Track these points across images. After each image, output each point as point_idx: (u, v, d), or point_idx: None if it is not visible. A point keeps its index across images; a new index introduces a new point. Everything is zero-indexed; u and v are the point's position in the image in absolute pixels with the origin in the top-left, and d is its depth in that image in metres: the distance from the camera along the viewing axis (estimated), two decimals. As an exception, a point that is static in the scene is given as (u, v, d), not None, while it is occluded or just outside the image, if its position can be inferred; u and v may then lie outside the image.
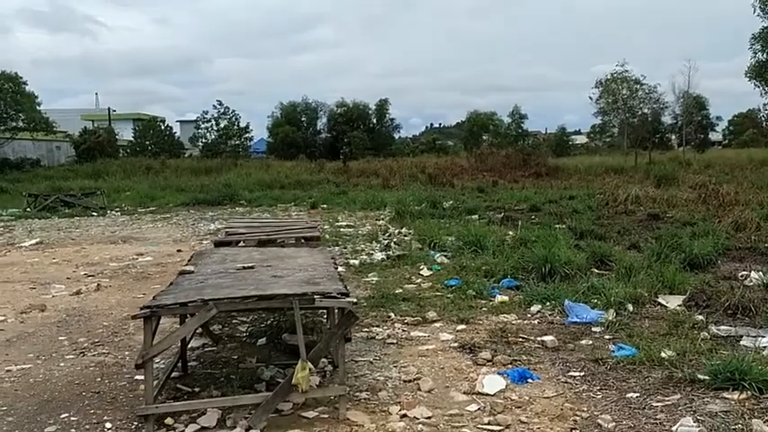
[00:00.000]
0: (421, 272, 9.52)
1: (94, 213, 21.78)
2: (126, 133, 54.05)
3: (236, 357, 5.93)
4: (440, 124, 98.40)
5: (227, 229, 8.89)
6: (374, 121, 58.42)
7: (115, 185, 30.28)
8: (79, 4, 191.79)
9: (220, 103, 52.77)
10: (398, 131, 62.67)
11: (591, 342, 6.09)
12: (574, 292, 7.55)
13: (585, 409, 4.55)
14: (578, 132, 69.53)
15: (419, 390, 4.95)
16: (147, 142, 51.72)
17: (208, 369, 5.66)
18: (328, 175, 33.53)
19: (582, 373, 5.26)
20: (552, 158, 39.87)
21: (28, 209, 22.34)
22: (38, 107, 43.40)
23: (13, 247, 13.66)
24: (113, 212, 22.00)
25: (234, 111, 52.98)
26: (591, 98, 44.24)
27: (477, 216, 16.43)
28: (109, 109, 57.98)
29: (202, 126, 52.74)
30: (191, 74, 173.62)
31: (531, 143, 53.67)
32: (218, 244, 7.85)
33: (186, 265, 5.97)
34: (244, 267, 5.41)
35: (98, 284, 9.23)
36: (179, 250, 12.51)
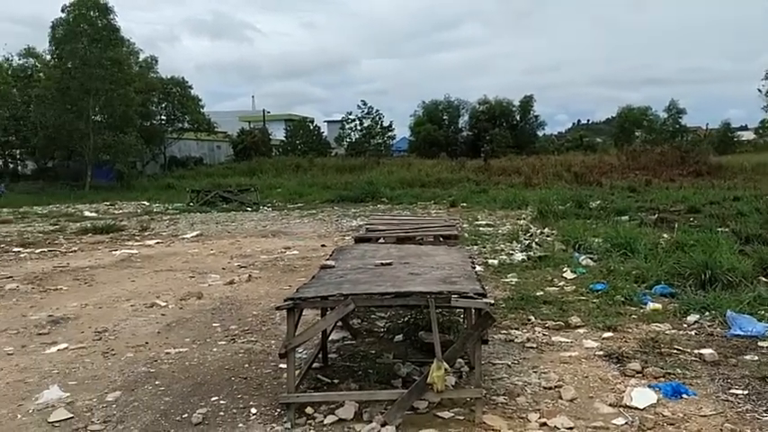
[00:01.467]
0: (564, 274, 9.13)
1: (249, 208, 23.30)
2: (278, 133, 57.17)
3: (373, 352, 6.01)
4: (587, 120, 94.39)
5: (368, 226, 9.05)
6: (517, 118, 57.11)
7: (268, 182, 32.22)
8: (237, 12, 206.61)
9: (364, 103, 54.14)
10: (543, 129, 60.72)
11: (757, 358, 5.50)
12: (737, 302, 6.89)
13: (749, 431, 4.11)
14: (745, 128, 63.75)
15: (560, 398, 4.71)
16: (297, 141, 54.33)
17: (347, 362, 5.78)
18: (468, 174, 33.32)
19: (745, 392, 4.75)
20: (714, 156, 36.91)
21: (191, 203, 24.36)
22: (201, 109, 47.29)
23: (177, 239, 14.93)
24: (265, 208, 23.39)
25: (377, 110, 54.15)
26: (760, 90, 40.36)
27: (627, 217, 15.62)
28: (264, 110, 61.78)
29: (347, 126, 54.42)
30: (337, 75, 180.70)
31: (690, 140, 49.73)
32: (359, 240, 8.01)
33: (328, 259, 6.13)
34: (382, 264, 5.46)
35: (249, 275, 9.80)
36: (323, 245, 13.00)
